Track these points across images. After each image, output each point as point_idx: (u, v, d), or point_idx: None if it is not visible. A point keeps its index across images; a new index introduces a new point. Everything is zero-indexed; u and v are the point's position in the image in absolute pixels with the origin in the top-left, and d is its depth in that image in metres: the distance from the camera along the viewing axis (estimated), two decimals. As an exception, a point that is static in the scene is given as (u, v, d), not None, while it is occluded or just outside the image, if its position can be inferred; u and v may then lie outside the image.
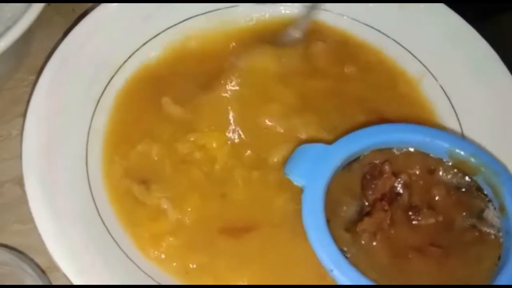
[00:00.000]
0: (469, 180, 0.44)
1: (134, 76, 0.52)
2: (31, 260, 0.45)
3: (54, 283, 0.44)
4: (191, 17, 0.54)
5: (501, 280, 0.39)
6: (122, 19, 0.52)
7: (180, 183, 0.46)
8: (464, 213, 0.43)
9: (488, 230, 0.42)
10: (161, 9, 0.53)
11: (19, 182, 0.50)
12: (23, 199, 0.49)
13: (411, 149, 0.45)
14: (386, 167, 0.43)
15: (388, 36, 0.54)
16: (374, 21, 0.55)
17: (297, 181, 0.43)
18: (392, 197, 0.43)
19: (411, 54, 0.53)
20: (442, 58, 0.53)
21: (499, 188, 0.42)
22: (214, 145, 0.48)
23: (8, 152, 0.51)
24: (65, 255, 0.41)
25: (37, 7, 0.48)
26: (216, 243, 0.44)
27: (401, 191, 0.43)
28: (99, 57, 0.50)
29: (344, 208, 0.43)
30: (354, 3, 0.55)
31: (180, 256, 0.44)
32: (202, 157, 0.48)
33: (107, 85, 0.50)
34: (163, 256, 0.44)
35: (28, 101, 0.53)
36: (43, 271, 0.45)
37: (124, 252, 0.43)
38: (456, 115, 0.50)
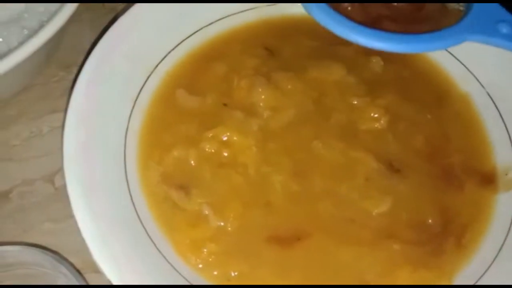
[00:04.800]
0: None
1: (169, 76, 0.51)
2: (67, 261, 0.44)
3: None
4: (226, 16, 0.54)
5: (464, 22, 0.46)
6: (158, 18, 0.51)
7: (220, 188, 0.45)
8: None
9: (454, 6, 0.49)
10: (198, 7, 0.52)
11: (50, 179, 0.49)
12: (54, 197, 0.49)
13: None
14: None
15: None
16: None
17: None
18: None
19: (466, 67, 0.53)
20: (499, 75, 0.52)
21: None
22: (235, 138, 0.47)
23: (38, 149, 0.51)
24: (107, 257, 0.40)
25: (71, 6, 0.47)
26: (261, 251, 0.44)
27: None
28: (135, 56, 0.49)
29: None
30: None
31: (222, 264, 0.43)
32: (230, 154, 0.47)
33: (143, 85, 0.49)
34: (204, 262, 0.43)
35: (59, 97, 0.53)
36: (79, 272, 0.44)
37: (165, 257, 0.42)
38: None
